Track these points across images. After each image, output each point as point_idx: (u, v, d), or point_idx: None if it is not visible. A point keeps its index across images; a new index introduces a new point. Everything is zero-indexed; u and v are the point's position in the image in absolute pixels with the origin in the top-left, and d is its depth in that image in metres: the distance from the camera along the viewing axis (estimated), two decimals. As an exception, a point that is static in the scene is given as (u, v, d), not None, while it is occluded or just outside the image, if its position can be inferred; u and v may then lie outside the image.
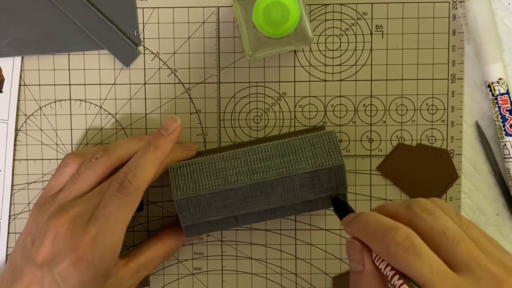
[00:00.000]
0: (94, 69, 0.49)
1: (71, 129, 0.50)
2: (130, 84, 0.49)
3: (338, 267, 0.50)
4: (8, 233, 0.50)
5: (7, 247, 0.50)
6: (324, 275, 0.50)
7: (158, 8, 0.49)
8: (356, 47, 0.49)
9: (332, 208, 0.44)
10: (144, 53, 0.49)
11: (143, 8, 0.49)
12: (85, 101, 0.50)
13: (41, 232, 0.42)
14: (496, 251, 0.35)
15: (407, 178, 0.49)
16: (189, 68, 0.49)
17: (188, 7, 0.49)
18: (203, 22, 0.49)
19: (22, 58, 0.49)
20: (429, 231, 0.35)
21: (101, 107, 0.50)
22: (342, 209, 0.43)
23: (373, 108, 0.49)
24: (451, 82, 0.49)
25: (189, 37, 0.49)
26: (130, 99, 0.49)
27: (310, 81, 0.49)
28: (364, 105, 0.49)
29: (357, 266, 0.37)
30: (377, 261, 0.36)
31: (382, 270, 0.35)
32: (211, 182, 0.44)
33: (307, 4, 0.48)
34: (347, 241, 0.38)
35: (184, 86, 0.49)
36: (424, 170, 0.49)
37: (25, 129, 0.50)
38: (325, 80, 0.49)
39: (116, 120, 0.50)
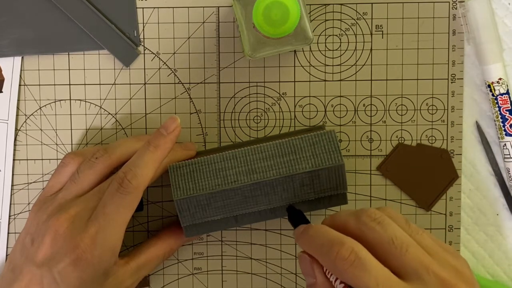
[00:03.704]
0: (94, 69, 0.49)
1: (71, 129, 0.50)
2: (130, 84, 0.49)
3: (338, 267, 0.50)
4: (8, 233, 0.50)
5: (7, 247, 0.50)
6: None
7: (158, 8, 0.49)
8: (356, 47, 0.49)
9: (331, 208, 0.45)
10: (144, 53, 0.49)
11: (143, 8, 0.49)
12: (85, 101, 0.50)
13: (41, 232, 0.42)
14: (447, 255, 0.35)
15: (407, 178, 0.49)
16: (189, 68, 0.49)
17: (188, 7, 0.49)
18: (203, 22, 0.49)
19: (22, 58, 0.49)
20: (378, 240, 0.35)
21: (101, 107, 0.50)
22: (296, 218, 0.42)
23: (373, 108, 0.49)
24: (451, 82, 0.49)
25: (189, 37, 0.49)
26: (130, 99, 0.49)
27: (310, 81, 0.49)
28: (364, 105, 0.49)
29: (309, 279, 0.37)
30: (328, 274, 0.36)
31: (333, 283, 0.35)
32: (211, 182, 0.44)
33: (307, 4, 0.48)
34: (298, 254, 0.38)
35: (184, 86, 0.49)
36: (424, 170, 0.49)
37: (25, 129, 0.50)
38: (325, 80, 0.49)
39: (116, 120, 0.50)
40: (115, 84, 0.49)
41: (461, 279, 0.34)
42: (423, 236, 0.36)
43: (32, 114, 0.50)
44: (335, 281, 0.35)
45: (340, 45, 0.49)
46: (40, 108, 0.50)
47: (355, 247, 0.34)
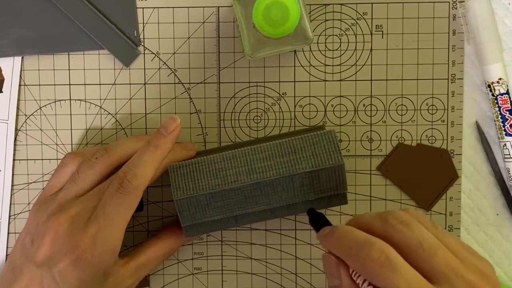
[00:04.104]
0: (94, 69, 0.49)
1: (71, 129, 0.50)
2: (130, 84, 0.49)
3: (338, 267, 0.50)
4: (8, 233, 0.50)
5: (7, 247, 0.50)
6: (324, 275, 0.50)
7: (158, 8, 0.49)
8: (356, 47, 0.49)
9: (331, 208, 0.44)
10: (144, 53, 0.49)
11: (143, 8, 0.49)
12: (85, 101, 0.50)
13: (41, 231, 0.42)
14: (473, 258, 0.35)
15: (407, 178, 0.49)
16: (189, 68, 0.49)
17: (188, 7, 0.49)
18: (203, 22, 0.49)
19: (22, 58, 0.49)
20: (406, 243, 0.34)
21: (101, 107, 0.50)
22: (318, 221, 0.42)
23: (373, 108, 0.49)
24: (451, 82, 0.49)
25: (189, 37, 0.49)
26: (130, 99, 0.49)
27: (310, 81, 0.49)
28: (364, 105, 0.49)
29: (334, 280, 0.36)
30: (354, 276, 0.35)
31: (360, 285, 0.35)
32: (211, 182, 0.44)
33: (307, 4, 0.48)
34: (323, 255, 0.38)
35: (184, 86, 0.49)
36: (424, 170, 0.49)
37: (25, 129, 0.50)
38: (325, 80, 0.49)
39: (116, 120, 0.50)
40: (115, 84, 0.49)
41: (487, 282, 0.34)
42: (450, 239, 0.36)
43: (32, 114, 0.50)
44: (363, 283, 0.34)
45: (340, 45, 0.49)
46: (40, 108, 0.50)
47: (385, 248, 0.34)
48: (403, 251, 0.34)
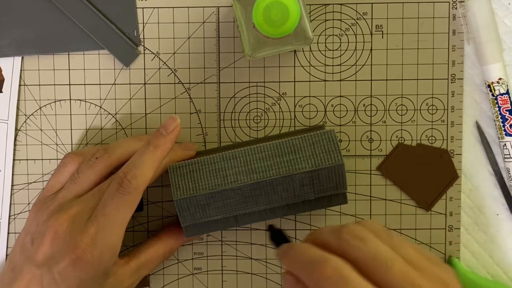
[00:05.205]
0: (94, 69, 0.49)
1: (71, 129, 0.50)
2: (130, 84, 0.49)
3: (338, 267, 0.50)
4: (8, 233, 0.50)
5: (7, 247, 0.50)
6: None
7: (158, 8, 0.49)
8: (356, 47, 0.49)
9: (331, 208, 0.44)
10: (144, 53, 0.49)
11: (143, 8, 0.49)
12: (85, 101, 0.50)
13: (41, 231, 0.42)
14: (434, 268, 0.35)
15: (407, 178, 0.49)
16: (189, 68, 0.49)
17: (188, 7, 0.49)
18: (203, 22, 0.49)
19: (22, 58, 0.49)
20: (361, 257, 0.34)
21: (101, 107, 0.50)
22: (277, 237, 0.41)
23: (373, 108, 0.49)
24: (451, 82, 0.49)
25: (189, 37, 0.49)
26: (130, 99, 0.49)
27: (310, 81, 0.49)
28: (364, 105, 0.49)
29: None
30: None
31: None
32: (211, 182, 0.44)
33: (307, 4, 0.48)
34: (282, 275, 0.37)
35: (184, 86, 0.49)
36: (424, 170, 0.49)
37: (25, 129, 0.50)
38: (325, 80, 0.49)
39: (116, 120, 0.50)
40: (115, 84, 0.49)
41: None
42: (407, 249, 0.35)
43: (32, 114, 0.50)
44: None
45: (340, 45, 0.49)
46: (40, 108, 0.50)
47: (338, 265, 0.33)
48: (359, 266, 0.34)
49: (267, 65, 0.49)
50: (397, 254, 0.34)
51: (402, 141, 0.49)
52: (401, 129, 0.49)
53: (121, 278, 0.43)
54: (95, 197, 0.43)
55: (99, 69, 0.49)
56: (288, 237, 0.42)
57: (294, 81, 0.49)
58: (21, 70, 0.49)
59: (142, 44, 0.49)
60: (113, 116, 0.50)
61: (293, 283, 0.35)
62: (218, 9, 0.49)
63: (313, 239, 0.37)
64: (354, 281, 0.33)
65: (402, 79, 0.49)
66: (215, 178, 0.45)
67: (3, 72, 0.49)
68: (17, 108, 0.49)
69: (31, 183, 0.50)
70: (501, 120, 0.48)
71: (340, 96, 0.49)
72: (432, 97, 0.49)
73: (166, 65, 0.49)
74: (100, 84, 0.49)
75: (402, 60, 0.49)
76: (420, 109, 0.49)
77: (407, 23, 0.49)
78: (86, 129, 0.50)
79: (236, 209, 0.45)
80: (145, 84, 0.49)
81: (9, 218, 0.50)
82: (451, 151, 0.49)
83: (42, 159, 0.50)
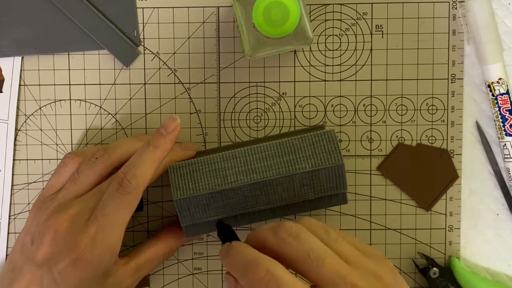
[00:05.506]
0: (94, 69, 0.49)
1: (71, 129, 0.50)
2: (130, 84, 0.49)
3: (338, 267, 0.50)
4: (8, 233, 0.50)
5: (7, 247, 0.50)
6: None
7: (158, 8, 0.49)
8: (356, 47, 0.49)
9: (331, 208, 0.44)
10: (144, 53, 0.49)
11: (143, 8, 0.49)
12: (85, 101, 0.50)
13: (41, 231, 0.42)
14: (368, 262, 0.35)
15: (407, 178, 0.49)
16: (189, 68, 0.49)
17: (188, 7, 0.49)
18: (203, 22, 0.49)
19: (22, 58, 0.49)
20: (295, 255, 0.34)
21: (101, 107, 0.50)
22: (225, 234, 0.42)
23: (373, 108, 0.49)
24: (451, 82, 0.49)
25: (189, 37, 0.49)
26: (130, 99, 0.49)
27: (310, 81, 0.49)
28: (364, 105, 0.49)
29: None
30: None
31: None
32: (211, 182, 0.44)
33: (307, 4, 0.48)
34: (224, 275, 0.37)
35: (184, 86, 0.49)
36: (424, 170, 0.49)
37: (25, 129, 0.50)
38: (325, 80, 0.49)
39: (116, 120, 0.50)
40: (115, 84, 0.49)
41: (378, 284, 0.34)
42: (342, 244, 0.36)
43: (32, 114, 0.50)
44: None
45: (340, 45, 0.49)
46: (40, 108, 0.50)
47: (270, 266, 0.33)
48: (294, 264, 0.34)
49: (267, 65, 0.49)
50: (331, 250, 0.35)
51: (402, 141, 0.49)
52: (401, 129, 0.49)
53: (121, 278, 0.43)
54: (95, 197, 0.43)
55: (99, 69, 0.49)
56: (235, 234, 0.42)
57: (294, 81, 0.49)
58: (21, 70, 0.49)
59: (142, 44, 0.49)
60: (113, 116, 0.50)
61: (233, 283, 0.36)
62: (218, 9, 0.49)
63: (254, 238, 0.38)
64: (287, 280, 0.33)
65: (402, 79, 0.49)
66: (215, 178, 0.44)
67: (3, 72, 0.49)
68: (17, 108, 0.49)
69: (31, 183, 0.50)
70: (501, 120, 0.48)
71: (340, 96, 0.49)
72: (432, 97, 0.49)
73: (166, 65, 0.49)
74: (100, 84, 0.49)
75: (402, 60, 0.49)
76: (420, 109, 0.49)
77: (407, 23, 0.49)
78: (86, 129, 0.50)
79: (236, 209, 0.45)
80: (145, 84, 0.49)
81: (9, 218, 0.50)
82: (451, 151, 0.49)
83: (42, 159, 0.50)
